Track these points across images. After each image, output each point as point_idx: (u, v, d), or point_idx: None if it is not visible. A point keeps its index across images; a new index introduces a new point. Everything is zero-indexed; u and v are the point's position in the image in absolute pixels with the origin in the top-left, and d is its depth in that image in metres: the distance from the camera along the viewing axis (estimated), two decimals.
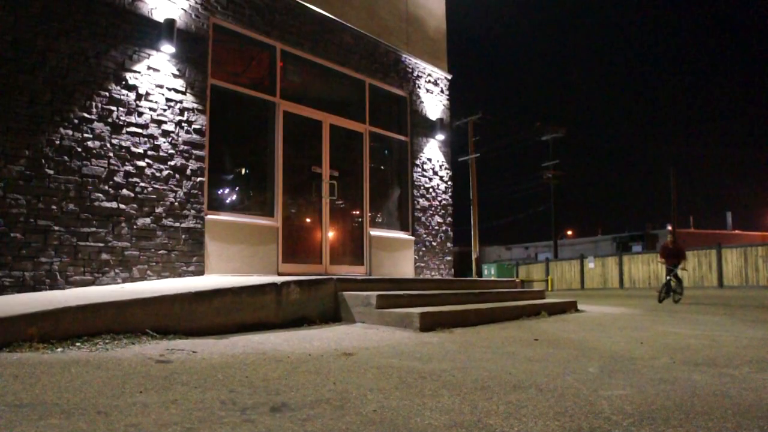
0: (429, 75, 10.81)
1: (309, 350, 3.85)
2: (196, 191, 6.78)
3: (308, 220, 8.58)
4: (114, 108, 6.10)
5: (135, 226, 6.15)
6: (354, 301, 5.59)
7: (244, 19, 7.60)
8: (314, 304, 5.51)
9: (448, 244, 10.87)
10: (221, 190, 7.58)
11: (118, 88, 6.16)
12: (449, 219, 10.97)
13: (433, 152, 10.67)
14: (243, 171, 8.11)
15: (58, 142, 5.64)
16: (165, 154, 6.51)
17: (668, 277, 12.58)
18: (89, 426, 1.96)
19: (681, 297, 12.33)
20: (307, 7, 8.44)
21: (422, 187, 10.37)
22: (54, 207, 5.56)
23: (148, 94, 6.41)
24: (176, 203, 6.56)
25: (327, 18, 8.75)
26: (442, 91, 11.08)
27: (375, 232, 9.32)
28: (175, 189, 6.57)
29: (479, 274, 29.05)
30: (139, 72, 6.35)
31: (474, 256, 29.60)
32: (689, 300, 12.89)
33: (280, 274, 7.52)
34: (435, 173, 10.70)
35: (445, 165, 10.98)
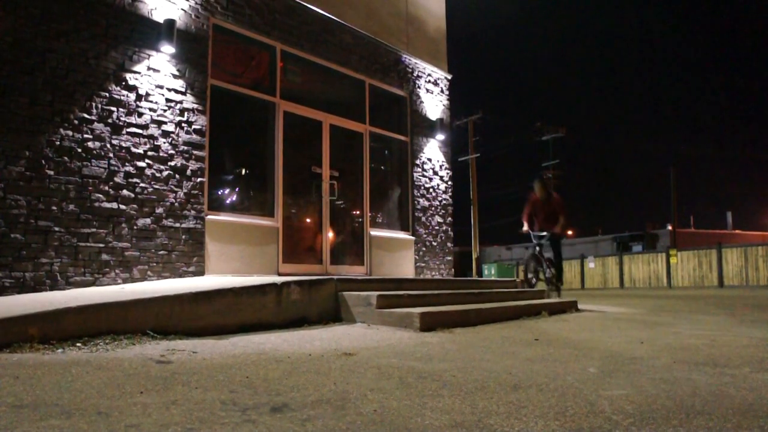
0: (429, 75, 10.81)
1: (309, 350, 3.85)
2: (196, 191, 6.78)
3: (308, 220, 8.58)
4: (114, 108, 6.11)
5: (135, 227, 6.15)
6: (354, 301, 5.59)
7: (244, 20, 7.60)
8: (314, 305, 5.51)
9: (449, 244, 10.87)
10: (221, 191, 7.58)
11: (118, 88, 6.17)
12: (449, 219, 10.97)
13: (433, 152, 10.67)
14: (243, 171, 8.11)
15: (58, 143, 5.65)
16: (165, 155, 6.52)
17: (535, 248, 8.66)
18: (90, 426, 1.96)
19: (559, 286, 8.77)
20: (307, 7, 8.44)
21: (422, 187, 10.37)
22: (54, 208, 5.56)
23: (148, 94, 6.41)
24: (176, 204, 6.56)
25: (327, 18, 8.75)
26: (442, 91, 11.08)
27: (375, 232, 9.31)
28: (176, 189, 6.57)
29: (479, 274, 29.05)
30: (139, 72, 6.35)
31: (474, 256, 29.60)
32: (690, 300, 12.66)
33: (280, 275, 7.52)
34: (435, 173, 10.69)
35: (446, 165, 10.97)
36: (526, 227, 8.66)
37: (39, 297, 4.75)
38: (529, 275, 8.54)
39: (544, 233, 8.49)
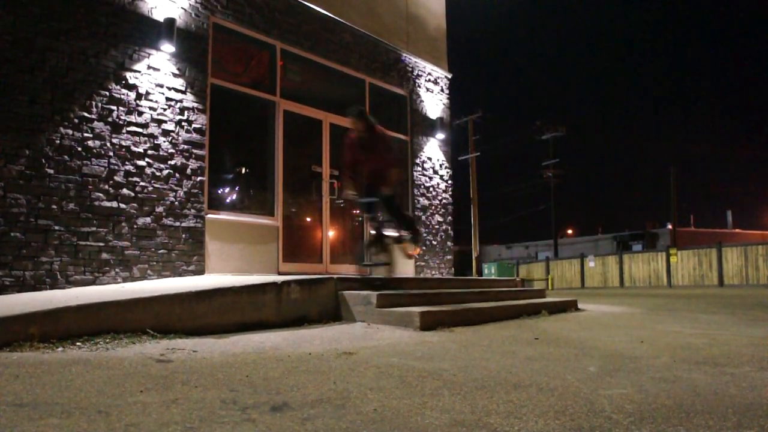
0: (429, 74, 10.80)
1: (309, 349, 3.85)
2: (196, 190, 6.77)
3: (308, 219, 8.58)
4: (114, 107, 6.10)
5: (135, 226, 6.15)
6: (354, 300, 5.59)
7: (244, 18, 7.59)
8: (315, 304, 5.51)
9: (449, 243, 10.86)
10: (221, 190, 7.58)
11: (118, 87, 6.16)
12: (449, 218, 10.97)
13: (433, 151, 10.67)
14: (243, 170, 8.11)
15: (58, 142, 5.64)
16: (165, 154, 6.51)
17: (376, 224, 6.01)
18: (90, 425, 1.96)
19: (416, 237, 6.34)
20: (307, 6, 8.44)
21: (422, 186, 10.36)
22: (54, 206, 5.56)
23: (148, 93, 6.41)
24: (176, 202, 6.56)
25: (327, 17, 8.75)
26: (442, 90, 11.08)
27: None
28: (176, 188, 6.57)
29: (480, 273, 29.05)
30: (139, 71, 6.34)
31: (474, 255, 29.60)
32: (690, 299, 12.62)
33: (280, 274, 7.52)
34: (435, 172, 10.69)
35: (446, 164, 10.97)
36: (351, 191, 5.91)
37: (39, 296, 4.75)
38: (367, 266, 5.75)
39: (373, 198, 5.73)
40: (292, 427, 2.00)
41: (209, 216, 6.92)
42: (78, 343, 3.65)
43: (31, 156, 5.45)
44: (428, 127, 10.60)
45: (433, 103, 10.79)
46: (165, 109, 6.56)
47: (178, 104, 6.70)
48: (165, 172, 6.49)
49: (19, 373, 2.77)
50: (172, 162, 6.57)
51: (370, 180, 5.81)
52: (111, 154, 6.03)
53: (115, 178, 6.04)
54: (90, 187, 5.84)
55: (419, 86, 10.53)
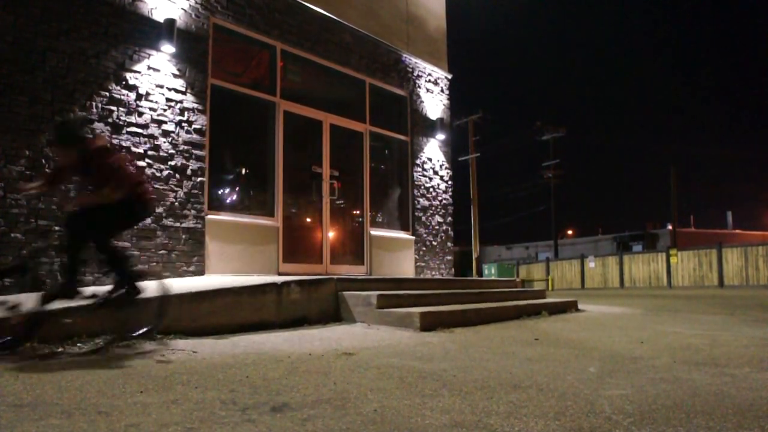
0: (429, 74, 10.80)
1: (309, 350, 3.85)
2: (196, 191, 6.77)
3: (308, 219, 8.58)
4: (114, 108, 6.10)
5: (135, 226, 6.14)
6: (354, 301, 5.59)
7: (244, 19, 7.60)
8: (315, 304, 5.51)
9: (449, 244, 10.86)
10: (222, 190, 7.58)
11: (119, 88, 6.16)
12: (449, 218, 10.97)
13: (433, 152, 10.67)
14: (243, 171, 8.10)
15: None
16: (165, 154, 6.51)
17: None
18: (90, 426, 1.96)
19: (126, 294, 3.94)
20: (307, 6, 8.44)
21: (422, 187, 10.36)
22: (54, 207, 5.56)
23: (148, 94, 6.41)
24: (176, 203, 6.55)
25: (327, 18, 8.75)
26: (442, 91, 11.08)
27: (375, 232, 9.31)
28: (176, 189, 6.57)
29: (480, 273, 29.05)
30: (139, 72, 6.34)
31: (474, 256, 29.60)
32: (690, 300, 12.61)
33: (280, 274, 7.51)
34: (435, 173, 10.69)
35: (446, 164, 10.97)
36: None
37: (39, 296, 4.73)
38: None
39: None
40: (292, 428, 2.00)
41: (209, 216, 6.92)
42: (78, 344, 3.65)
43: (31, 156, 5.45)
44: (428, 127, 10.60)
45: (433, 103, 10.80)
46: (165, 110, 6.56)
47: (179, 105, 6.70)
48: (165, 172, 6.49)
49: (19, 374, 2.77)
50: (173, 162, 6.57)
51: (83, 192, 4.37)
52: None
53: None
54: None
55: (419, 87, 10.54)
